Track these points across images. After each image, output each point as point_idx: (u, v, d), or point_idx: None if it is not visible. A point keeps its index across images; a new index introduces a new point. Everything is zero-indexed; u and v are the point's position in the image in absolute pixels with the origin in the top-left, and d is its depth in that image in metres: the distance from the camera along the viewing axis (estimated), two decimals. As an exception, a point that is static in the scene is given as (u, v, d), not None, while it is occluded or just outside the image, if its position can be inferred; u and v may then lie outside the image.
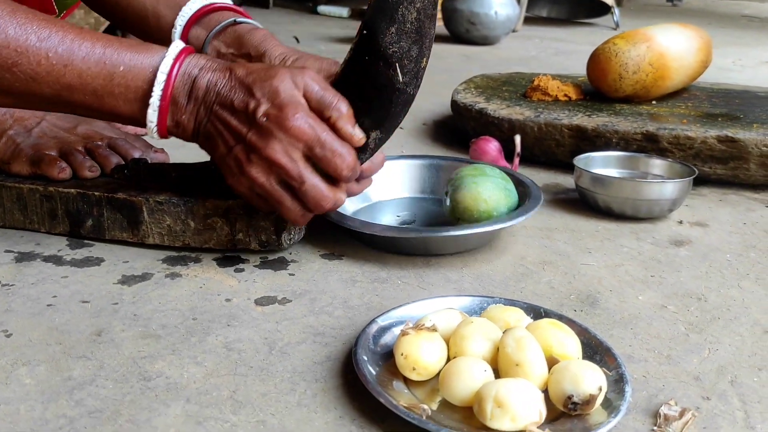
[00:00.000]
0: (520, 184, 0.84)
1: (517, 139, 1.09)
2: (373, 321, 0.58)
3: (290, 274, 0.70)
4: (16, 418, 0.48)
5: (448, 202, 0.79)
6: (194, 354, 0.56)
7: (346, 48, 2.21)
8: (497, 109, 1.15)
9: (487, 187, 0.76)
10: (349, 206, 0.85)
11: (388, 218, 0.85)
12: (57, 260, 0.71)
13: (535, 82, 1.23)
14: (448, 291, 0.68)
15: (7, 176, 0.77)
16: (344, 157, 0.63)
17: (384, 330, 0.58)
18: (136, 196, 0.72)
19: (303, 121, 0.61)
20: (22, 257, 0.71)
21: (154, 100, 0.61)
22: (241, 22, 0.78)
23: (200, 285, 0.67)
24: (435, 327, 0.55)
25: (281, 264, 0.72)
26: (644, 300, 0.68)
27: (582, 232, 0.84)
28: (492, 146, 1.09)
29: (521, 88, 1.29)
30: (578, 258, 0.77)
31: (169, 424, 0.48)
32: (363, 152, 0.71)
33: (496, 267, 0.74)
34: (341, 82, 0.69)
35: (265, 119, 0.61)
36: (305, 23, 2.75)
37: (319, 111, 0.63)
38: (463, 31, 2.36)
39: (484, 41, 2.37)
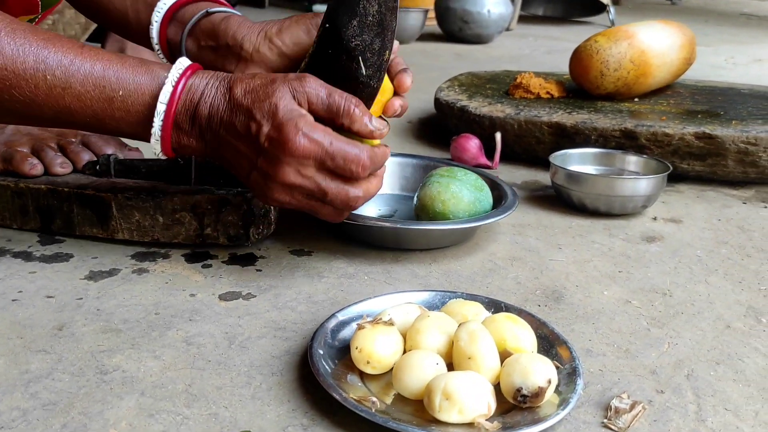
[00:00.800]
0: (496, 187, 0.84)
1: (498, 136, 1.09)
2: (332, 315, 0.59)
3: (257, 270, 0.70)
4: (-31, 410, 0.48)
5: (414, 200, 0.79)
6: (153, 348, 0.57)
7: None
8: (479, 106, 1.15)
9: (450, 189, 0.76)
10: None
11: (368, 212, 0.85)
12: (26, 256, 0.71)
13: (518, 80, 1.23)
14: (414, 286, 0.69)
15: (-21, 173, 0.78)
16: (357, 160, 0.60)
17: (343, 324, 0.58)
18: (105, 191, 0.73)
19: (305, 140, 0.58)
20: (-8, 253, 0.72)
21: (156, 130, 0.60)
22: (213, 12, 0.77)
23: (166, 281, 0.67)
24: (392, 321, 0.55)
25: (249, 260, 0.73)
26: (609, 295, 0.68)
27: (555, 229, 0.84)
28: (472, 144, 1.09)
29: (505, 86, 1.29)
30: (548, 254, 0.77)
31: (121, 417, 0.48)
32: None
33: (464, 263, 0.74)
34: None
35: (267, 144, 0.58)
36: (300, 22, 2.76)
37: (330, 119, 0.61)
38: (456, 30, 2.36)
39: (478, 40, 2.37)
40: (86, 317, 0.60)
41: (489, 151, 1.09)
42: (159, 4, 0.77)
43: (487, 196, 0.79)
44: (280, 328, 0.60)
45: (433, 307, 0.61)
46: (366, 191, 0.63)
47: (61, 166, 0.77)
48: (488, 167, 1.07)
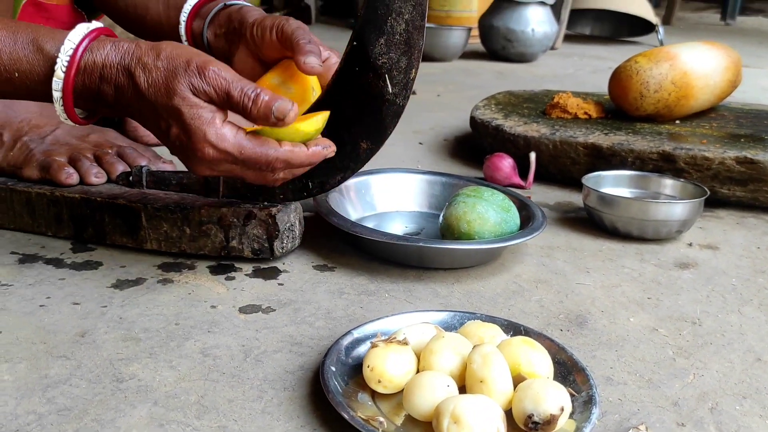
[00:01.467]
0: (524, 208, 0.83)
1: (532, 156, 1.08)
2: (348, 332, 0.58)
3: (279, 284, 0.71)
4: (-12, 412, 0.50)
5: (440, 219, 0.79)
6: (170, 358, 0.57)
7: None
8: (514, 125, 1.14)
9: (475, 209, 0.75)
10: (354, 214, 0.85)
11: (395, 229, 0.85)
12: (58, 263, 0.73)
13: (555, 100, 1.21)
14: (435, 306, 0.68)
15: (19, 181, 0.80)
16: (268, 164, 0.60)
17: (359, 342, 0.58)
18: (135, 202, 0.74)
19: (213, 151, 0.58)
20: (26, 259, 0.74)
21: (60, 113, 0.60)
22: (230, 5, 0.80)
23: (189, 291, 0.68)
24: (406, 341, 0.55)
25: (272, 273, 0.73)
26: (635, 322, 0.67)
27: (584, 252, 0.83)
28: (506, 163, 1.08)
29: (543, 105, 1.28)
30: (575, 277, 0.76)
31: (132, 425, 0.49)
32: (355, 162, 0.72)
33: (488, 284, 0.73)
34: (332, 92, 0.70)
35: (178, 143, 0.59)
36: (345, 39, 2.78)
37: (232, 103, 0.59)
38: (499, 48, 2.35)
39: (521, 58, 2.36)
40: (108, 325, 0.62)
41: (523, 171, 1.08)
42: (185, 5, 0.81)
43: (514, 217, 0.78)
44: (296, 342, 0.60)
45: (450, 327, 0.60)
46: (286, 176, 0.64)
47: (95, 176, 0.79)
48: (521, 187, 1.06)
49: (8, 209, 0.79)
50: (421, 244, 0.72)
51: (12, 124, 0.83)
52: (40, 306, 0.64)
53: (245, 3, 0.81)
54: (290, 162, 0.61)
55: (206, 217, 0.73)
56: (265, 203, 0.74)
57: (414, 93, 1.77)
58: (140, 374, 0.55)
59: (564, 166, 1.08)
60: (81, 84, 0.59)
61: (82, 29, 0.59)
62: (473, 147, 1.26)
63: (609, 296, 0.72)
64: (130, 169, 0.82)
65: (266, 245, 0.73)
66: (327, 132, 0.70)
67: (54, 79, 0.58)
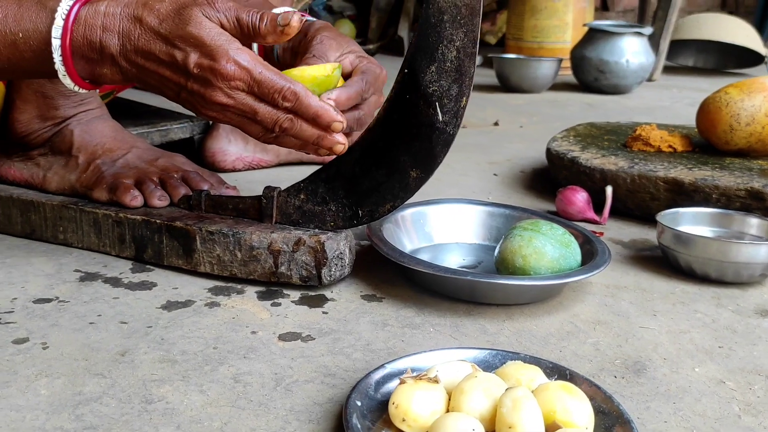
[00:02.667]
0: (588, 243, 0.78)
1: (608, 190, 1.03)
2: (381, 366, 0.56)
3: (324, 312, 0.70)
4: (19, 425, 0.51)
5: (495, 253, 0.76)
6: (201, 382, 0.57)
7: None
8: (590, 158, 1.09)
9: (532, 244, 0.72)
10: (410, 244, 0.83)
11: (451, 261, 0.82)
12: (115, 282, 0.75)
13: (637, 132, 1.15)
14: (480, 343, 0.65)
15: (89, 202, 0.84)
16: (282, 90, 0.62)
17: (391, 377, 0.56)
18: (191, 225, 0.76)
19: (235, 67, 0.60)
20: (87, 277, 0.76)
21: (58, 66, 0.61)
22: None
23: (233, 316, 0.68)
24: (437, 378, 0.52)
25: (319, 301, 0.72)
26: (700, 373, 0.61)
27: (654, 293, 0.77)
28: (579, 197, 1.03)
29: (626, 138, 1.22)
30: (639, 320, 0.70)
31: (152, 448, 0.49)
32: (404, 191, 0.70)
33: (541, 323, 0.69)
34: (383, 120, 0.69)
35: (198, 70, 0.60)
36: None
37: (243, 30, 0.62)
38: (592, 80, 2.28)
39: (614, 90, 2.28)
40: (149, 345, 0.62)
41: (599, 206, 1.03)
42: None
43: (574, 253, 0.73)
44: (330, 374, 0.59)
45: (490, 367, 0.57)
46: (299, 131, 0.64)
47: (159, 198, 0.81)
48: (596, 222, 1.01)
49: (77, 228, 0.83)
50: (469, 277, 0.69)
51: (87, 148, 0.87)
52: (90, 323, 0.66)
53: (316, 20, 0.82)
54: (299, 99, 0.62)
55: (257, 242, 0.73)
56: (316, 230, 0.73)
57: (496, 124, 1.74)
58: (169, 396, 0.55)
59: (642, 202, 1.02)
60: (81, 36, 0.61)
61: None
62: (549, 180, 1.21)
63: (675, 343, 0.66)
64: (191, 193, 0.84)
65: (314, 272, 0.72)
66: (376, 158, 0.69)
67: (53, 26, 0.60)
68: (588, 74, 2.29)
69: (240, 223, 0.76)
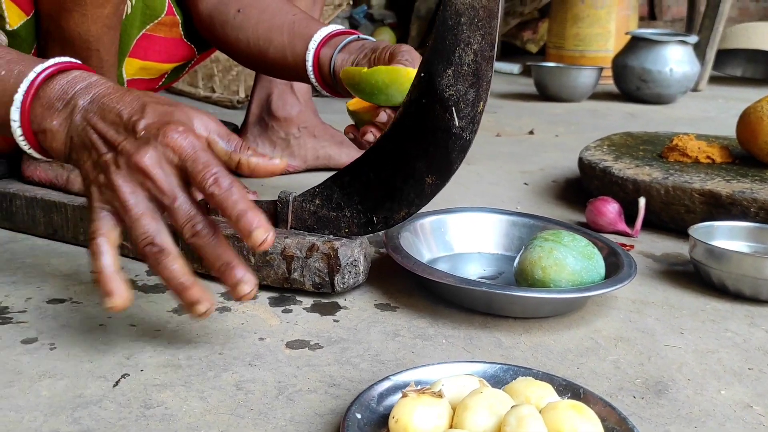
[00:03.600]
0: (614, 255, 0.75)
1: (641, 202, 0.99)
2: (386, 378, 0.54)
3: (335, 321, 0.68)
4: (17, 426, 0.50)
5: (515, 264, 0.73)
6: (203, 388, 0.56)
7: (504, 103, 2.18)
8: (623, 168, 1.05)
9: (552, 255, 0.69)
10: (428, 253, 0.81)
11: (471, 272, 0.80)
12: (131, 284, 0.75)
13: (674, 142, 1.11)
14: (494, 357, 0.62)
15: (109, 203, 0.84)
16: (217, 175, 0.55)
17: (395, 389, 0.54)
18: (206, 229, 0.75)
19: (184, 137, 0.54)
20: (102, 278, 0.76)
21: (18, 96, 0.58)
22: (362, 38, 0.84)
23: (243, 321, 0.67)
24: (441, 393, 0.50)
25: (331, 309, 0.71)
26: (727, 395, 0.57)
27: (682, 310, 0.74)
28: (610, 208, 1.00)
29: (662, 148, 1.18)
30: (664, 338, 0.67)
31: (145, 455, 0.48)
32: (419, 198, 0.68)
33: (560, 338, 0.66)
34: (398, 125, 0.67)
35: (144, 131, 0.55)
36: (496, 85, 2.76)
37: (222, 154, 0.58)
38: (634, 89, 2.23)
39: (657, 100, 2.22)
40: (156, 349, 0.62)
41: (631, 218, 0.99)
42: (316, 35, 0.86)
43: (597, 266, 0.71)
44: (334, 384, 0.57)
45: (500, 382, 0.55)
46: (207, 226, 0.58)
47: (177, 202, 0.81)
48: (627, 235, 0.98)
49: (97, 230, 0.83)
50: (484, 288, 0.66)
51: (110, 150, 0.87)
52: (100, 325, 0.66)
53: (372, 38, 0.85)
54: (235, 192, 0.56)
55: (271, 248, 0.72)
56: (330, 237, 0.72)
57: (531, 133, 1.71)
58: (169, 402, 0.54)
59: (677, 214, 0.98)
60: (60, 76, 0.59)
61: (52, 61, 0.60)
62: (581, 191, 1.18)
63: (701, 363, 0.63)
64: (210, 197, 0.83)
65: (327, 279, 0.71)
66: (391, 164, 0.68)
67: (38, 66, 0.58)
68: (630, 83, 2.24)
69: (255, 227, 0.75)
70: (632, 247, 0.93)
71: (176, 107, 0.57)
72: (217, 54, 1.71)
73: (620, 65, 2.25)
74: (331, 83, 0.86)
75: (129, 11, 0.91)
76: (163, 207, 0.56)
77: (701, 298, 0.77)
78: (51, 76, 0.59)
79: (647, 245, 0.94)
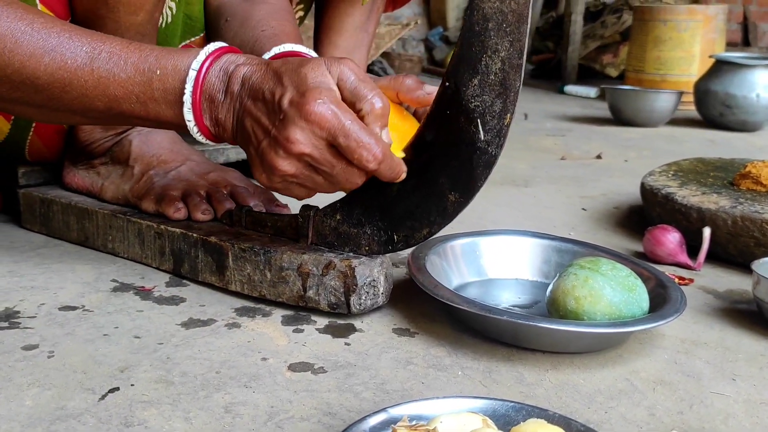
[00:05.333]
0: (662, 287, 0.68)
1: (706, 232, 0.91)
2: (383, 410, 0.49)
3: (346, 344, 0.64)
4: (-9, 435, 0.48)
5: (547, 292, 0.67)
6: (190, 408, 0.53)
7: (575, 126, 2.10)
8: (688, 195, 0.97)
9: (587, 284, 0.62)
10: (456, 278, 0.76)
11: (504, 299, 0.74)
12: (145, 295, 0.73)
13: (746, 169, 1.02)
14: (514, 394, 0.56)
15: (137, 212, 0.83)
16: (370, 148, 0.58)
17: (392, 422, 0.49)
18: (226, 241, 0.72)
19: (324, 107, 0.57)
20: (120, 288, 0.74)
21: (187, 97, 0.62)
22: (298, 52, 0.78)
23: (249, 339, 0.64)
24: (436, 430, 0.45)
25: (345, 331, 0.66)
26: (778, 456, 0.49)
27: (738, 353, 0.65)
28: (671, 237, 0.92)
29: (735, 175, 1.08)
30: (712, 384, 0.59)
31: (111, 477, 0.45)
32: (441, 216, 0.64)
33: (591, 377, 0.60)
34: (420, 138, 0.63)
35: (287, 105, 0.58)
36: (547, 101, 2.68)
37: (351, 102, 0.59)
38: (717, 115, 2.10)
39: (742, 127, 2.08)
40: (152, 363, 0.59)
41: (694, 249, 0.91)
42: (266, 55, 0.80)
43: (639, 299, 0.63)
44: (330, 413, 0.53)
45: (509, 423, 0.49)
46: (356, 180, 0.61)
47: (202, 212, 0.79)
48: (689, 268, 0.89)
49: (124, 238, 0.82)
50: (505, 318, 0.60)
51: (144, 158, 0.87)
52: (104, 335, 0.64)
53: (311, 52, 0.78)
54: (387, 160, 0.59)
55: (287, 263, 0.69)
56: (349, 254, 0.68)
57: (599, 157, 1.62)
58: (151, 421, 0.51)
59: (746, 247, 0.89)
60: (216, 69, 0.62)
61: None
62: (644, 219, 1.10)
63: (751, 415, 0.55)
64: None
65: (343, 299, 0.67)
66: (412, 179, 0.63)
67: (195, 59, 0.62)
68: (713, 109, 2.11)
69: (276, 242, 0.72)
70: (692, 281, 0.85)
71: (307, 64, 0.59)
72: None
73: (702, 90, 2.12)
74: None
75: (169, 20, 0.90)
76: (324, 173, 0.61)
77: (762, 341, 0.68)
78: (208, 69, 0.62)
79: (710, 280, 0.86)
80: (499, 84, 0.58)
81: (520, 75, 0.57)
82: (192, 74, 0.62)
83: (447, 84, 0.60)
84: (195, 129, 0.64)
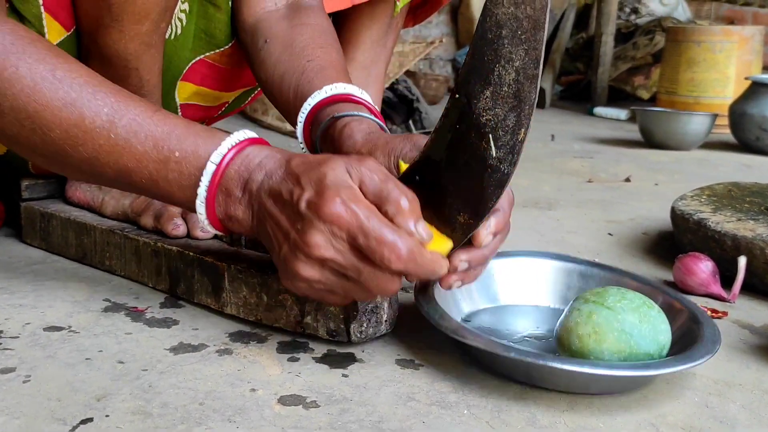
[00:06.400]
0: (693, 321, 0.62)
1: (741, 261, 0.84)
2: (374, 454, 0.44)
3: (343, 375, 0.59)
4: (-54, 469, 0.44)
5: (555, 329, 0.61)
6: (165, 444, 0.48)
7: (603, 148, 2.04)
8: (722, 221, 0.91)
9: (591, 320, 0.57)
10: (467, 305, 0.71)
11: (520, 328, 0.69)
12: (136, 316, 0.69)
13: (786, 194, 0.95)
14: (523, 438, 0.51)
15: (135, 228, 0.79)
16: (393, 247, 0.52)
17: (384, 470, 0.44)
18: (222, 261, 0.68)
19: (342, 207, 0.52)
20: (112, 308, 0.71)
21: (201, 190, 0.57)
22: (339, 117, 0.71)
23: (239, 368, 0.59)
24: (430, 483, 0.39)
25: (345, 361, 0.61)
26: None
27: (778, 397, 0.59)
28: (703, 266, 0.86)
29: (774, 201, 1.02)
30: (748, 431, 0.53)
31: None
32: (451, 241, 0.58)
33: (612, 420, 0.54)
34: (428, 154, 0.58)
35: (305, 207, 0.53)
36: (575, 123, 2.62)
37: (377, 204, 0.54)
38: (753, 139, 2.02)
39: (780, 152, 2.00)
40: (132, 392, 0.55)
41: (728, 279, 0.84)
42: (304, 105, 0.75)
43: (655, 332, 0.57)
44: (318, 454, 0.48)
45: (516, 474, 0.44)
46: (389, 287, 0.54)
47: (201, 230, 0.75)
48: (723, 299, 0.83)
49: (121, 255, 0.78)
50: (513, 355, 0.55)
51: (146, 174, 0.83)
52: (86, 359, 0.60)
53: (356, 113, 0.71)
54: (414, 258, 0.53)
55: (284, 286, 0.64)
56: (351, 278, 0.63)
57: (627, 180, 1.56)
58: (121, 458, 0.46)
59: (785, 279, 0.82)
60: (236, 164, 0.58)
61: (251, 133, 0.60)
62: (675, 245, 1.03)
63: (794, 471, 0.48)
64: (237, 227, 0.77)
65: (342, 326, 0.62)
66: (420, 200, 0.58)
67: (215, 152, 0.58)
68: (749, 132, 2.03)
69: (273, 263, 0.68)
70: (725, 314, 0.79)
71: (326, 164, 0.54)
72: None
73: (738, 113, 2.05)
74: (314, 150, 0.76)
75: (179, 32, 0.87)
76: (351, 278, 0.55)
77: (806, 384, 0.62)
78: (229, 162, 0.58)
79: (745, 313, 0.79)
80: (513, 96, 0.53)
81: (535, 87, 0.52)
82: (210, 168, 0.57)
83: (457, 96, 0.56)
84: (206, 222, 0.59)
